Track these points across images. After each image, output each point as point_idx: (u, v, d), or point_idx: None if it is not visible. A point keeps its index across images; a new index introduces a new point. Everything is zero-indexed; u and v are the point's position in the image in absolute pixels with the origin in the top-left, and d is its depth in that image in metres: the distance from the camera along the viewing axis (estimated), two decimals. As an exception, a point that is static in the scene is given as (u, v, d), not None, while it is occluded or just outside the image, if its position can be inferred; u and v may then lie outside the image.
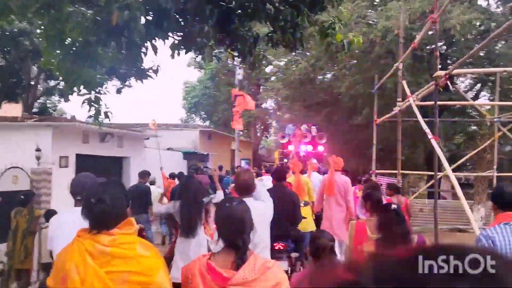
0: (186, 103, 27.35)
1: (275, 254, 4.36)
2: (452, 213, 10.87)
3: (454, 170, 8.84)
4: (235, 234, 1.83)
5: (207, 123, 29.10)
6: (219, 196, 4.36)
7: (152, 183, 9.08)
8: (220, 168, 12.27)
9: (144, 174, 7.99)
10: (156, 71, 5.82)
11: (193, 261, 1.88)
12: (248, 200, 2.55)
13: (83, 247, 1.72)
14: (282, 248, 4.47)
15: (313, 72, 12.82)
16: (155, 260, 1.79)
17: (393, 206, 2.86)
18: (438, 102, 5.54)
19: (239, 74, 18.26)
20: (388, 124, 12.94)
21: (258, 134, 29.13)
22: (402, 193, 8.61)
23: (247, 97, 7.64)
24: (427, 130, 5.31)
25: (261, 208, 3.04)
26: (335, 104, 14.56)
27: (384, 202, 4.12)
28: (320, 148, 17.83)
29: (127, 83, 6.22)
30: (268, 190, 4.86)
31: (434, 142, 5.11)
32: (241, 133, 20.03)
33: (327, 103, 14.48)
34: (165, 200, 5.51)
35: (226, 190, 6.91)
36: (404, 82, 7.30)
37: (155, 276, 1.73)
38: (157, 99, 75.78)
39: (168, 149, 16.45)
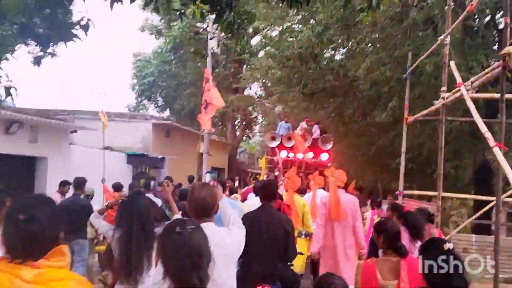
0: (137, 83, 26.74)
1: (258, 301, 4.44)
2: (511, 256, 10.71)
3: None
4: (189, 270, 1.84)
5: (166, 113, 28.59)
6: None
7: (89, 196, 8.88)
8: (179, 185, 11.78)
9: (80, 183, 7.94)
10: (85, 28, 5.39)
11: None
12: (207, 226, 2.59)
13: None
14: None
15: (320, 45, 12.45)
16: None
17: (448, 245, 2.93)
18: (507, 95, 5.23)
19: (213, 43, 17.94)
20: (422, 124, 12.77)
21: (238, 133, 28.72)
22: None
23: (213, 90, 7.33)
24: (488, 134, 4.99)
25: (223, 237, 3.05)
26: (348, 93, 14.28)
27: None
28: (324, 157, 17.61)
29: (49, 49, 5.82)
30: (251, 212, 4.91)
31: (497, 152, 4.79)
32: (213, 130, 19.60)
33: (337, 90, 14.17)
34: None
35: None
36: (453, 64, 6.98)
37: None
38: (95, 78, 74.35)
39: (106, 148, 15.93)
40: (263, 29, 19.72)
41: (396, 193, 10.60)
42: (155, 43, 28.33)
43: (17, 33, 4.83)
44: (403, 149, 10.57)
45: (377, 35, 12.18)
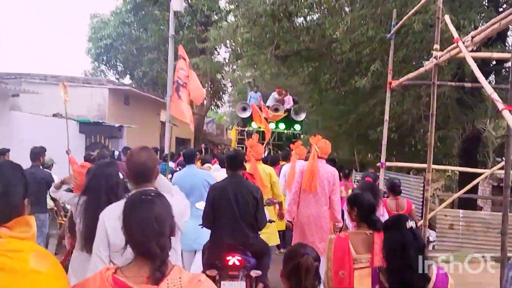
0: (92, 47, 24.96)
1: (228, 272, 4.59)
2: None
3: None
4: (149, 238, 1.85)
5: (126, 80, 27.02)
6: None
7: (47, 166, 8.64)
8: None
9: (38, 154, 7.75)
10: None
11: (92, 277, 1.90)
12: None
13: None
14: (238, 263, 4.59)
15: (294, 1, 11.29)
16: (52, 279, 1.78)
17: (410, 223, 2.93)
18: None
19: (176, 2, 16.54)
20: (405, 90, 11.87)
21: (205, 102, 27.37)
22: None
23: (192, 76, 6.77)
24: (495, 96, 4.03)
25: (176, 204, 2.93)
26: (325, 57, 13.19)
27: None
28: (296, 127, 17.76)
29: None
30: (219, 183, 5.12)
31: (508, 116, 3.84)
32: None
33: (313, 54, 13.06)
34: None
35: None
36: (447, 18, 6.02)
37: None
38: (47, 40, 70.73)
39: (55, 115, 14.56)
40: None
41: (377, 164, 9.92)
42: (112, 3, 26.47)
43: None
44: (386, 117, 9.88)
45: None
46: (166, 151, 14.87)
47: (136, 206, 1.94)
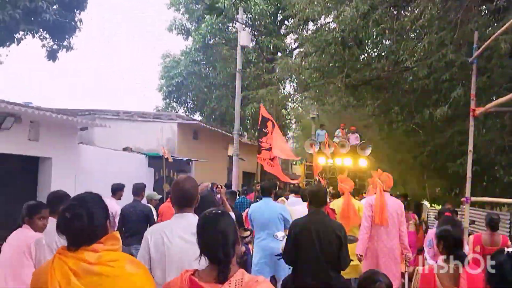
0: (164, 84, 24.99)
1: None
2: None
3: None
4: (215, 247, 2.21)
5: (196, 116, 26.82)
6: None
7: (149, 201, 9.01)
8: (229, 186, 12.10)
9: (139, 189, 8.19)
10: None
11: (176, 278, 2.29)
12: (186, 216, 3.14)
13: (66, 266, 2.07)
14: None
15: (365, 28, 10.38)
16: (145, 278, 2.23)
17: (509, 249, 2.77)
18: None
19: (244, 35, 16.11)
20: (486, 120, 10.58)
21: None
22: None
23: (276, 133, 8.47)
24: None
25: None
26: (398, 85, 12.13)
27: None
28: (362, 163, 17.17)
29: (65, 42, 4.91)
30: (301, 219, 4.82)
31: None
32: (243, 133, 17.64)
33: (385, 82, 12.01)
34: None
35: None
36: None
37: None
38: (120, 79, 72.75)
39: (125, 149, 14.24)
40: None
41: (462, 199, 8.63)
42: (183, 43, 26.37)
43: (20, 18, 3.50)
44: (470, 147, 8.60)
45: (435, 11, 9.99)
46: (233, 185, 14.23)
47: (207, 223, 2.32)
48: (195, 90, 24.51)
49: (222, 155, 20.68)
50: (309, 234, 4.45)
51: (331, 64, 11.49)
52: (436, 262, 5.33)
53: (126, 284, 2.08)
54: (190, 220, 3.03)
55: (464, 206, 8.77)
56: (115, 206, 7.79)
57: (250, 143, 23.81)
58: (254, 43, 21.58)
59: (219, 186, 6.16)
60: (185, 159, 14.80)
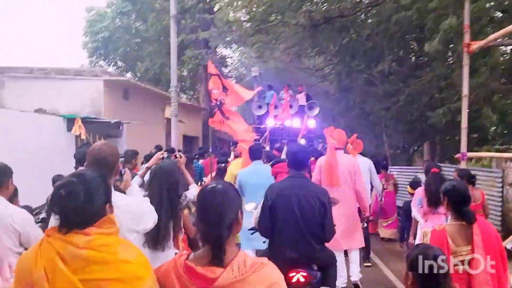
0: (90, 40, 21.75)
1: (292, 290, 4.04)
2: None
3: None
4: (209, 226, 1.97)
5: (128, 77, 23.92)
6: (193, 192, 4.36)
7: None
8: (172, 150, 8.95)
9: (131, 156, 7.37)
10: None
11: (168, 262, 2.05)
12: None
13: (53, 250, 1.89)
14: (303, 279, 3.90)
15: None
16: (141, 267, 1.98)
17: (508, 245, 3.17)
18: None
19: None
20: (476, 59, 8.76)
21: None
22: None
23: (231, 87, 7.00)
24: None
25: (133, 205, 3.01)
26: (364, 25, 10.05)
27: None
28: (311, 123, 16.12)
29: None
30: (279, 183, 4.44)
31: None
32: (178, 86, 15.26)
33: (348, 22, 9.87)
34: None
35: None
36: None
37: (141, 286, 1.92)
38: (38, 32, 66.24)
39: (37, 111, 11.45)
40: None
41: (457, 156, 6.96)
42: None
43: None
44: (466, 91, 7.06)
45: None
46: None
47: (202, 199, 2.06)
48: (125, 46, 21.49)
49: (158, 117, 18.12)
50: (288, 200, 3.94)
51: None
52: (426, 221, 5.49)
53: (118, 272, 1.88)
54: (118, 199, 2.55)
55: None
56: None
57: (189, 103, 21.40)
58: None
59: (177, 155, 4.88)
60: (113, 121, 12.17)
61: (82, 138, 10.47)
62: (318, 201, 3.93)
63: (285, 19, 9.34)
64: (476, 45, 7.00)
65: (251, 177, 5.88)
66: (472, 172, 7.11)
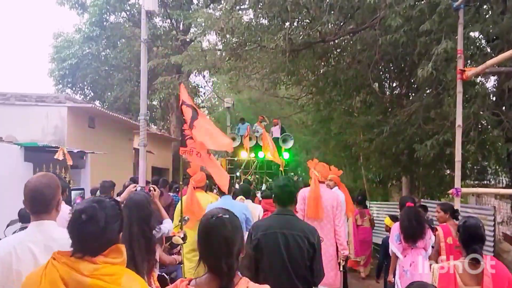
0: (56, 68, 20.70)
1: None
2: None
3: None
4: (218, 256, 1.98)
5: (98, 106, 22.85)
6: (167, 226, 4.29)
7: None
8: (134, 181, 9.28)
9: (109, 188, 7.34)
10: None
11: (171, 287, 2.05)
12: (50, 226, 2.61)
13: (57, 274, 1.93)
14: None
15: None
16: None
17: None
18: None
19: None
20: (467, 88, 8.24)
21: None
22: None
23: (202, 118, 5.97)
24: None
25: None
26: (347, 49, 9.48)
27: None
28: (285, 155, 16.39)
29: None
30: (264, 220, 4.24)
31: None
32: (148, 115, 14.37)
33: (330, 47, 9.29)
34: None
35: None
36: None
37: None
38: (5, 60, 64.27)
39: (-7, 139, 10.42)
40: None
41: (450, 192, 6.53)
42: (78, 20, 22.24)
43: None
44: (459, 121, 6.58)
45: None
46: (141, 182, 11.21)
47: (209, 229, 2.04)
48: (93, 74, 20.47)
49: (126, 147, 17.15)
50: (274, 240, 3.64)
51: (267, 20, 8.50)
52: (405, 256, 5.39)
53: None
54: (49, 231, 2.56)
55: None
56: None
57: (160, 133, 20.50)
58: (162, 13, 18.29)
59: (151, 188, 4.62)
60: (76, 150, 11.17)
61: (68, 163, 9.98)
62: (306, 241, 3.62)
63: (262, 43, 8.65)
64: (471, 71, 6.52)
65: None
66: (463, 209, 6.66)
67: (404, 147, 9.20)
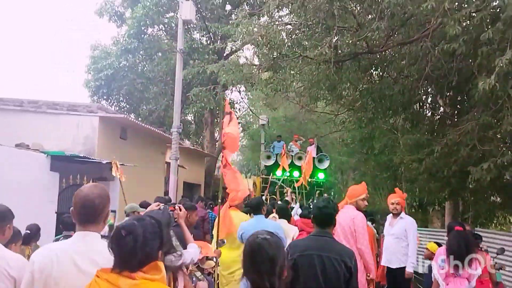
0: (92, 78, 20.62)
1: None
2: None
3: None
4: (261, 275, 2.10)
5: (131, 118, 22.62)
6: (191, 253, 3.73)
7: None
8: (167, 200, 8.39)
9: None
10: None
11: None
12: (95, 238, 2.56)
13: None
14: None
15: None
16: None
17: None
18: None
19: (186, 6, 12.53)
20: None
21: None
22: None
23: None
24: None
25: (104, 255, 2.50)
26: (394, 63, 8.78)
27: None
28: (320, 176, 16.65)
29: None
30: (301, 240, 4.30)
31: None
32: (181, 129, 13.91)
33: (379, 58, 8.59)
34: None
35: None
36: None
37: None
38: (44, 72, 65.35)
39: (18, 145, 10.08)
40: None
41: None
42: (115, 31, 22.16)
43: None
44: None
45: None
46: (171, 196, 10.74)
47: (255, 248, 2.17)
48: (128, 86, 20.25)
49: (158, 160, 16.73)
50: (310, 262, 3.59)
51: (312, 23, 7.86)
52: (447, 284, 5.09)
53: None
54: (94, 243, 2.50)
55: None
56: None
57: (193, 148, 20.04)
58: (199, 25, 18.01)
59: (176, 207, 4.22)
60: (105, 161, 10.73)
61: (121, 180, 9.78)
62: (343, 265, 3.59)
63: (305, 52, 8.03)
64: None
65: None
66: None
67: (457, 169, 8.35)
